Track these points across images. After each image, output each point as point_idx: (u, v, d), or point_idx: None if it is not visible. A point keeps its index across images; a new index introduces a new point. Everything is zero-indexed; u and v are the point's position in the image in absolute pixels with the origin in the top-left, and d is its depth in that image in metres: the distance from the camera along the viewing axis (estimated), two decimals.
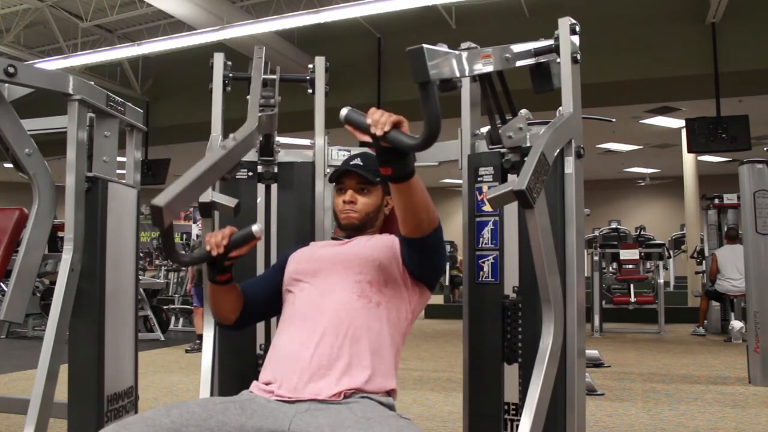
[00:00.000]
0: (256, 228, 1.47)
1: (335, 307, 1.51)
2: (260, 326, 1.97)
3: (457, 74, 1.38)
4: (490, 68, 1.53)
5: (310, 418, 1.36)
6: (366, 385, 1.43)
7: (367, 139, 1.29)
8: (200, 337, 5.94)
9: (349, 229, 1.68)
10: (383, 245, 1.61)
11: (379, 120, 1.26)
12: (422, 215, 1.44)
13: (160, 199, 1.29)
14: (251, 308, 1.67)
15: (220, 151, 1.54)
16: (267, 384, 1.47)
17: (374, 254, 1.58)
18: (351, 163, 1.69)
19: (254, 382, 1.51)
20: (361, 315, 1.51)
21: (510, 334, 1.73)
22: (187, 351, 6.07)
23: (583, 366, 1.66)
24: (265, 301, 1.68)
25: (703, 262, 8.15)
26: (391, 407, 1.45)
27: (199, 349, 5.66)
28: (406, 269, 1.58)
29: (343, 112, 1.32)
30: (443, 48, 1.36)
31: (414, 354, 5.81)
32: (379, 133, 1.25)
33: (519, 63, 1.62)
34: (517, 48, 1.61)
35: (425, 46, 1.26)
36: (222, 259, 1.48)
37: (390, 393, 1.49)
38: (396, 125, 1.26)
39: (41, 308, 6.92)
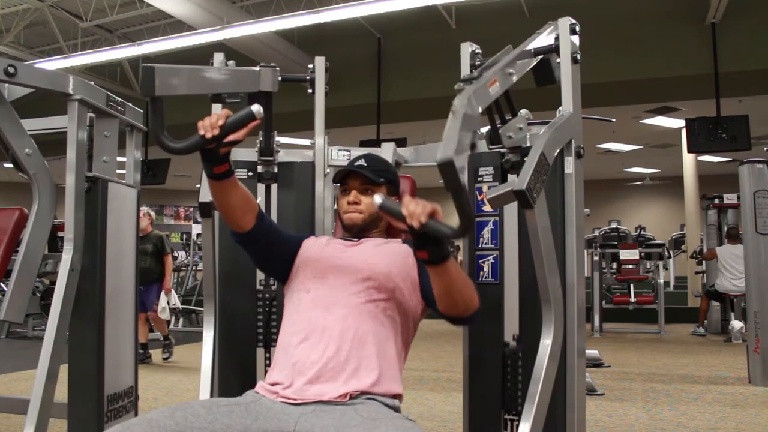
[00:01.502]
0: (256, 107, 1.36)
1: (343, 311, 1.50)
2: (260, 327, 1.97)
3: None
4: (498, 92, 1.51)
5: (315, 419, 1.36)
6: (373, 388, 1.43)
7: (403, 227, 1.29)
8: (144, 346, 5.35)
9: (353, 230, 1.68)
10: (397, 259, 1.59)
11: (414, 212, 1.25)
12: (457, 299, 1.42)
13: (154, 65, 1.26)
14: (270, 227, 1.62)
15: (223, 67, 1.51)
16: (273, 385, 1.47)
17: (385, 263, 1.57)
18: (355, 164, 1.69)
19: (260, 382, 1.51)
20: (368, 320, 1.50)
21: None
22: (166, 359, 5.59)
23: (583, 366, 1.66)
24: (276, 239, 1.64)
25: (703, 262, 8.15)
26: (396, 409, 1.45)
27: (143, 360, 5.15)
28: (421, 294, 1.57)
29: (377, 200, 1.31)
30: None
31: (414, 354, 5.79)
32: (416, 225, 1.25)
33: (521, 68, 1.62)
34: (519, 60, 1.59)
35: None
36: (217, 144, 1.37)
37: (396, 397, 1.48)
38: (431, 215, 1.26)
39: (41, 308, 6.91)
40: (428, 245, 1.30)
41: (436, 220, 1.26)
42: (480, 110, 1.40)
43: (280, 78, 1.82)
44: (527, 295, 1.70)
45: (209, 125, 1.36)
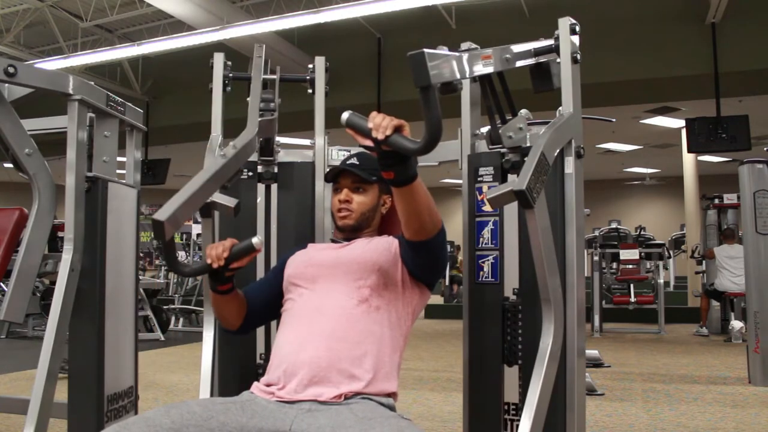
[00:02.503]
0: (256, 240, 1.48)
1: (336, 313, 1.51)
2: (260, 327, 1.97)
3: (458, 76, 1.37)
4: (490, 69, 1.53)
5: (311, 419, 1.36)
6: (366, 388, 1.43)
7: (369, 143, 1.29)
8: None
9: (346, 231, 1.68)
10: (383, 248, 1.60)
11: (380, 124, 1.26)
12: (425, 218, 1.44)
13: (162, 214, 1.29)
14: (254, 313, 1.68)
15: (220, 160, 1.55)
16: (268, 386, 1.47)
17: (374, 258, 1.58)
18: (347, 162, 1.69)
19: (255, 383, 1.51)
20: (361, 320, 1.50)
21: (510, 336, 1.73)
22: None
23: (583, 366, 1.66)
24: (267, 305, 1.70)
25: (703, 261, 8.15)
26: (391, 408, 1.45)
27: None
28: (407, 270, 1.58)
29: (345, 115, 1.31)
30: (443, 50, 1.36)
31: (414, 354, 5.81)
32: (380, 137, 1.25)
33: (519, 63, 1.62)
34: (517, 48, 1.61)
35: (426, 50, 1.25)
36: (222, 271, 1.50)
37: (391, 395, 1.49)
38: (397, 129, 1.26)
39: (41, 308, 6.91)
40: (394, 164, 1.30)
41: (401, 135, 1.25)
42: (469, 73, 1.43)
43: (281, 78, 1.81)
44: (527, 296, 1.70)
45: (215, 256, 1.48)
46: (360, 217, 1.66)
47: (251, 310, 1.66)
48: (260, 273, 1.99)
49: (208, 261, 1.49)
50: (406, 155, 1.29)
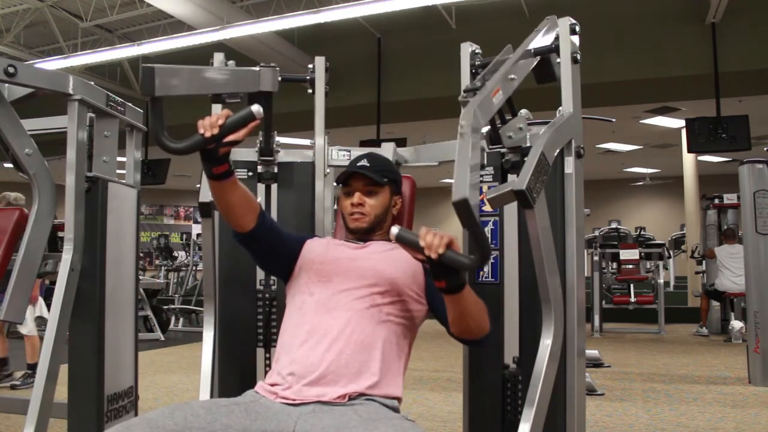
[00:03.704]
0: (256, 108, 1.35)
1: (346, 315, 1.50)
2: (260, 327, 1.97)
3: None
4: (502, 99, 1.51)
5: (315, 420, 1.35)
6: (371, 390, 1.43)
7: (421, 258, 1.30)
8: (32, 366, 4.41)
9: (358, 233, 1.67)
10: (406, 270, 1.57)
11: (432, 243, 1.26)
12: (471, 324, 1.45)
13: (154, 65, 1.26)
14: (272, 227, 1.61)
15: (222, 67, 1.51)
16: (273, 385, 1.46)
17: (394, 275, 1.56)
18: (358, 164, 1.67)
19: (260, 383, 1.51)
20: (370, 324, 1.50)
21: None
22: (13, 387, 4.43)
23: (583, 366, 1.66)
24: (279, 237, 1.63)
25: (703, 261, 8.15)
26: (395, 410, 1.45)
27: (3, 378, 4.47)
28: (427, 300, 1.58)
29: (394, 231, 1.31)
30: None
31: (414, 354, 5.75)
32: (434, 256, 1.26)
33: (522, 70, 1.61)
34: (519, 62, 1.59)
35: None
36: (217, 144, 1.37)
37: (395, 399, 1.48)
38: (448, 246, 1.27)
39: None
40: (445, 275, 1.32)
41: (453, 250, 1.27)
42: (484, 123, 1.41)
43: (280, 78, 1.81)
44: (527, 295, 1.70)
45: (209, 124, 1.35)
46: (373, 220, 1.66)
47: (268, 220, 1.60)
48: (260, 277, 1.98)
49: (201, 131, 1.35)
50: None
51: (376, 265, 1.57)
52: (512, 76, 1.55)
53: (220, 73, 1.65)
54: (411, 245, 1.30)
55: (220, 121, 1.35)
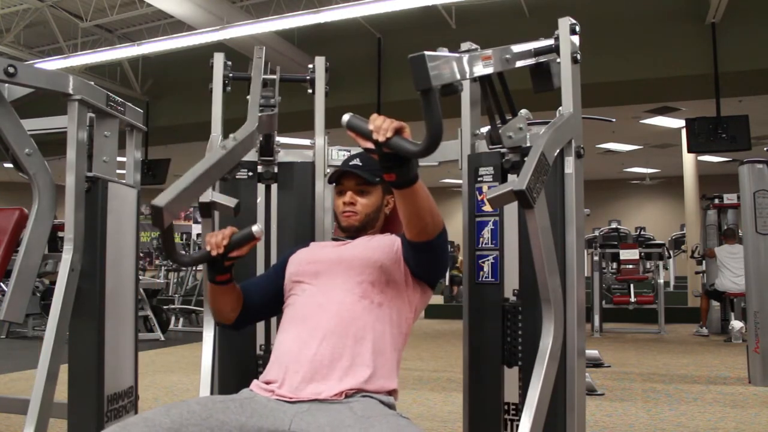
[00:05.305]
0: (256, 228, 1.47)
1: (337, 308, 1.51)
2: (260, 326, 1.97)
3: (458, 77, 1.37)
4: (490, 70, 1.53)
5: (311, 418, 1.36)
6: (367, 384, 1.43)
7: (369, 145, 1.29)
8: None
9: (350, 231, 1.68)
10: (385, 246, 1.61)
11: (380, 126, 1.26)
12: (427, 219, 1.45)
13: (160, 200, 1.29)
14: (250, 308, 1.67)
15: (220, 151, 1.54)
16: (268, 383, 1.47)
17: (376, 255, 1.58)
18: (350, 163, 1.68)
19: (255, 381, 1.52)
20: (363, 316, 1.51)
21: (510, 337, 1.73)
22: None
23: (583, 366, 1.66)
24: (264, 302, 1.69)
25: (703, 261, 8.15)
26: (391, 406, 1.46)
27: None
28: (409, 269, 1.58)
29: (345, 117, 1.31)
30: (444, 52, 1.36)
31: (414, 354, 5.81)
32: (381, 139, 1.25)
33: (519, 63, 1.62)
34: (517, 48, 1.61)
35: (427, 52, 1.25)
36: (222, 259, 1.49)
37: (391, 393, 1.49)
38: (398, 131, 1.26)
39: (41, 308, 6.91)
40: (395, 166, 1.30)
41: (402, 137, 1.25)
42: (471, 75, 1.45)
43: (279, 78, 1.82)
44: (527, 297, 1.70)
45: (215, 244, 1.47)
46: (365, 219, 1.67)
47: (248, 305, 1.66)
48: (260, 271, 1.99)
49: (207, 248, 1.48)
50: (407, 157, 1.29)
51: (359, 254, 1.60)
52: (507, 56, 1.57)
53: None
54: (360, 132, 1.29)
55: (225, 241, 1.47)
